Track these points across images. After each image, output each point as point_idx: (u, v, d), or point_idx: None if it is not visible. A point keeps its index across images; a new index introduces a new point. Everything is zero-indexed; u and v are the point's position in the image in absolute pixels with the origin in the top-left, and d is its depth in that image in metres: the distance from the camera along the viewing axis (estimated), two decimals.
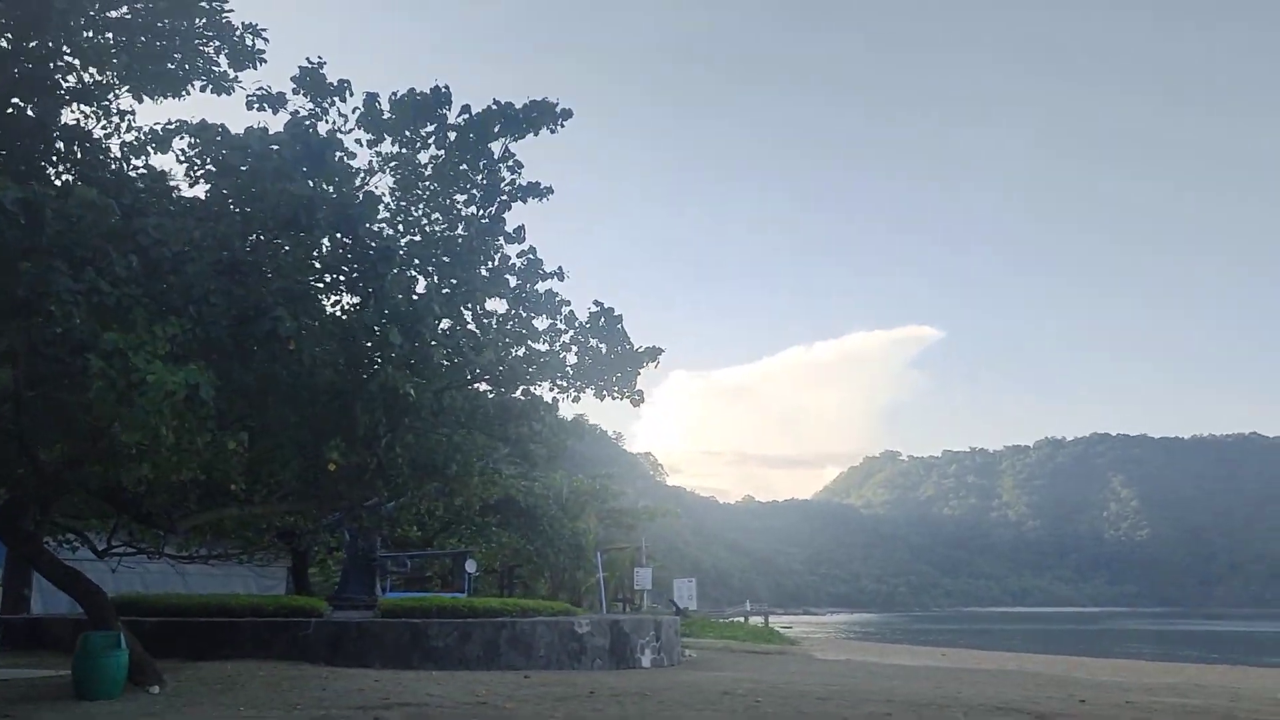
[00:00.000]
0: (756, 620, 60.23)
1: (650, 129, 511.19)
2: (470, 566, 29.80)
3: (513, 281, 12.58)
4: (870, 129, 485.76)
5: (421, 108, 12.12)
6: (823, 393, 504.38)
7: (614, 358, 13.61)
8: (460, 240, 12.18)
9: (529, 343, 13.59)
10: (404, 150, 12.70)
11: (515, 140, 12.24)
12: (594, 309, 13.82)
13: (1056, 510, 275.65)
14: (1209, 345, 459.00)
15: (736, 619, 59.64)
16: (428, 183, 12.74)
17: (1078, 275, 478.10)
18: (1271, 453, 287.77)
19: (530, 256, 12.67)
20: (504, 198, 12.26)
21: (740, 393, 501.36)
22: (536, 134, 12.25)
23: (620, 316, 13.91)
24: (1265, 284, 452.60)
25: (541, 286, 12.73)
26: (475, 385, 13.22)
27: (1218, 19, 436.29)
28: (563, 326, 13.77)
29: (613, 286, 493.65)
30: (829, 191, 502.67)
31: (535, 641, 17.39)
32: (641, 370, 13.81)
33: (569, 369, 13.72)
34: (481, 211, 12.27)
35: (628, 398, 13.76)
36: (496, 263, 12.79)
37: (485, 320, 12.07)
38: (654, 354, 13.82)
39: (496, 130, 11.84)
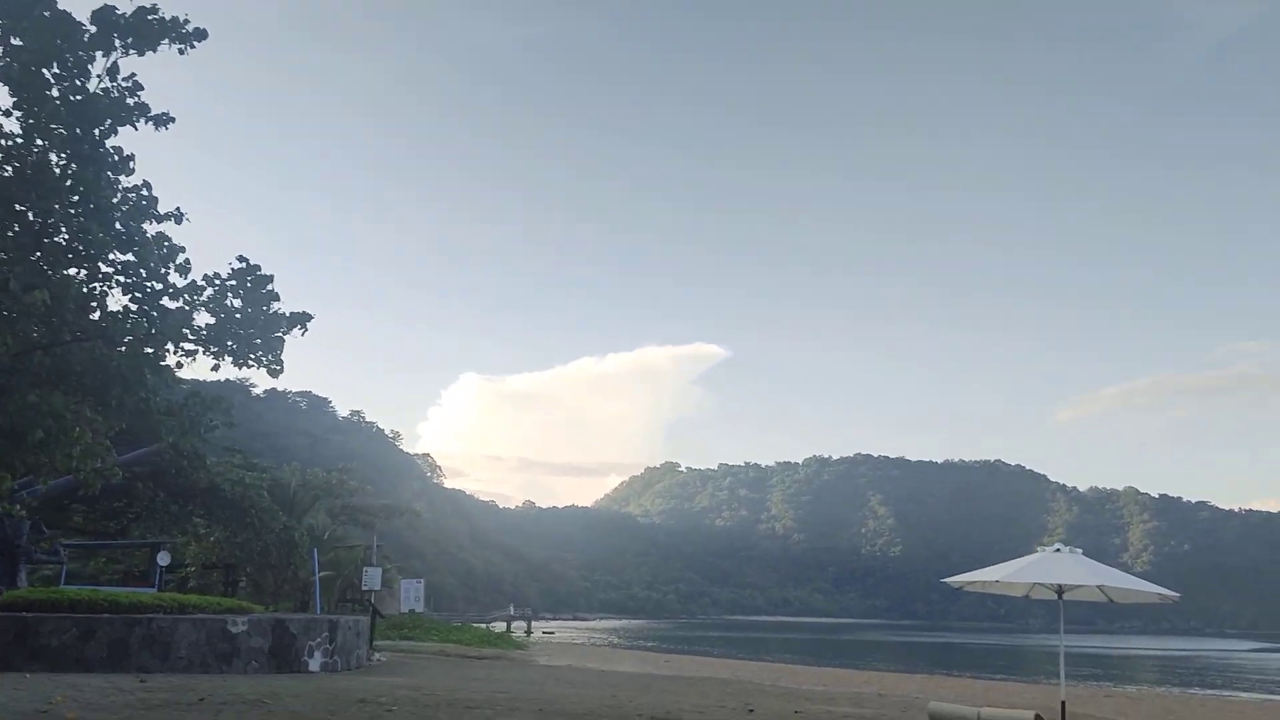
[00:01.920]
0: (519, 625, 59.32)
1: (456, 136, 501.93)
2: (163, 559, 27.08)
3: (119, 224, 10.74)
4: (664, 156, 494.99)
5: (15, 3, 10.16)
6: (611, 403, 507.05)
7: (254, 320, 11.98)
8: (52, 167, 10.27)
9: (164, 300, 11.76)
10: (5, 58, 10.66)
11: (130, 55, 10.48)
12: (238, 265, 12.16)
13: (820, 525, 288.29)
14: (961, 376, 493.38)
15: (499, 624, 58.37)
16: (31, 98, 10.71)
17: (851, 308, 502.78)
18: (1011, 480, 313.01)
19: (144, 194, 10.89)
20: (110, 120, 10.44)
21: (530, 399, 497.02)
22: (155, 50, 10.54)
23: (270, 276, 12.28)
24: (1012, 335, 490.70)
25: (152, 229, 10.93)
26: (83, 341, 11.31)
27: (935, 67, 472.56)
28: (202, 283, 12.02)
29: (405, 283, 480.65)
30: (637, 210, 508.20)
31: (175, 641, 15.42)
32: (286, 336, 12.26)
33: (202, 330, 11.98)
34: (81, 134, 10.39)
35: (266, 366, 12.17)
36: (116, 199, 10.96)
37: (60, 258, 10.17)
38: (301, 319, 12.28)
39: (94, 37, 10.04)
